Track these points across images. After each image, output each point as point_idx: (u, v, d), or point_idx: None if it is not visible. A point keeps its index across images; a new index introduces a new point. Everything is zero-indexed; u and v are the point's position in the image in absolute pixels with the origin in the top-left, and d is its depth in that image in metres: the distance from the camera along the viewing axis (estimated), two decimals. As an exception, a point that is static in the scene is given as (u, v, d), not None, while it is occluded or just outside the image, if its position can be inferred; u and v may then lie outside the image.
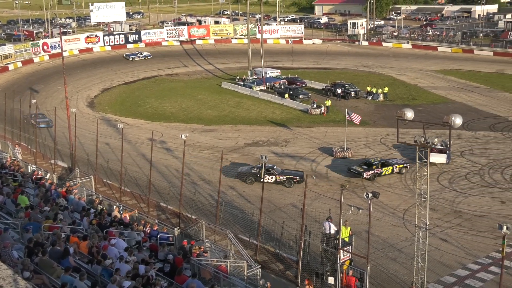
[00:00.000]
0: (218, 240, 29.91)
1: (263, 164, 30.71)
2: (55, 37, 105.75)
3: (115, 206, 31.25)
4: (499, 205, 36.45)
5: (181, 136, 34.91)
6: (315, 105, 62.76)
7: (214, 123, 60.44)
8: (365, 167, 41.78)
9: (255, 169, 41.19)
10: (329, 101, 63.97)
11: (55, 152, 45.49)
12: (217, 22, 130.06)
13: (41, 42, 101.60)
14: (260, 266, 25.27)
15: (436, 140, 22.25)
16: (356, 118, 48.34)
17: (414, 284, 22.25)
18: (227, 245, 27.87)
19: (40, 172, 36.06)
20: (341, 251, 25.05)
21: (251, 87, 75.31)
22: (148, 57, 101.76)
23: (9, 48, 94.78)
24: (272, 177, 40.50)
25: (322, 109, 61.90)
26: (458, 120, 20.58)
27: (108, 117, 64.04)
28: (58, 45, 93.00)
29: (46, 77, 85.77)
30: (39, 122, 55.45)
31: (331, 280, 25.47)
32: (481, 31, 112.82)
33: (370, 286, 24.96)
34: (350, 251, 26.03)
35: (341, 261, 24.98)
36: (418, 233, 21.77)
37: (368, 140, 51.37)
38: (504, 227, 19.45)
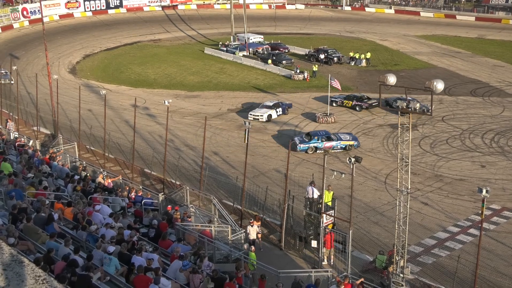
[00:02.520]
0: (203, 206, 30.17)
1: (247, 129, 30.73)
2: (35, 3, 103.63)
3: (99, 172, 31.29)
4: (479, 169, 36.98)
5: (164, 102, 34.85)
6: (298, 71, 62.71)
7: (197, 89, 60.21)
8: None
9: None
10: (316, 66, 64.02)
11: (38, 119, 45.21)
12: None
13: (20, 7, 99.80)
14: (244, 230, 25.55)
15: (418, 105, 22.40)
16: (337, 84, 48.45)
17: (395, 247, 22.63)
18: (212, 210, 28.10)
19: (22, 139, 35.89)
20: (324, 215, 25.37)
21: (234, 53, 74.91)
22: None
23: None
24: None
25: (305, 74, 61.87)
26: (440, 85, 20.57)
27: (91, 83, 63.47)
28: (38, 10, 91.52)
29: (26, 43, 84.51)
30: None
31: (314, 243, 25.85)
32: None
33: (352, 249, 25.39)
34: (333, 215, 26.38)
35: (324, 225, 25.32)
36: (400, 197, 22.04)
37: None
38: (484, 191, 19.77)
